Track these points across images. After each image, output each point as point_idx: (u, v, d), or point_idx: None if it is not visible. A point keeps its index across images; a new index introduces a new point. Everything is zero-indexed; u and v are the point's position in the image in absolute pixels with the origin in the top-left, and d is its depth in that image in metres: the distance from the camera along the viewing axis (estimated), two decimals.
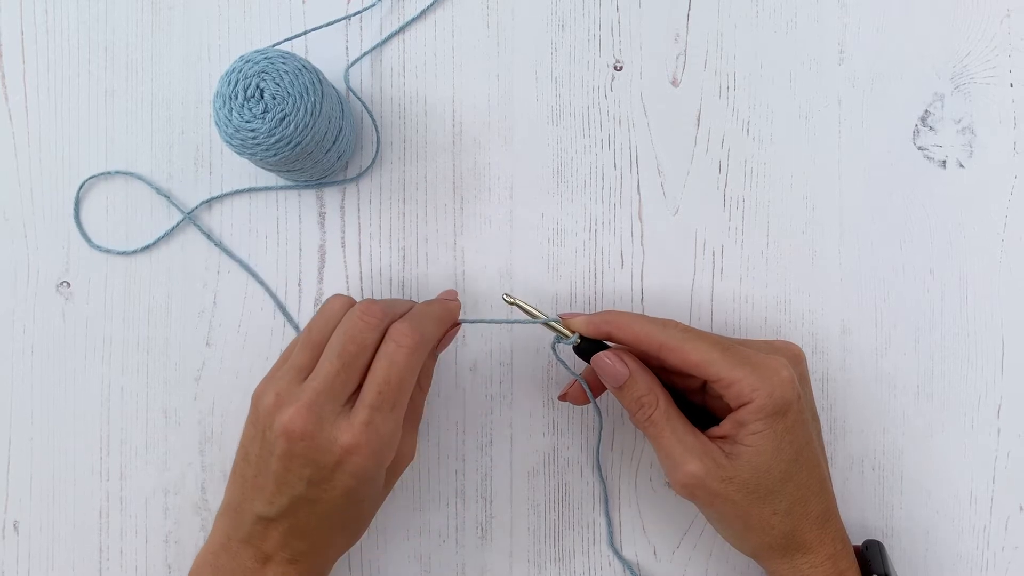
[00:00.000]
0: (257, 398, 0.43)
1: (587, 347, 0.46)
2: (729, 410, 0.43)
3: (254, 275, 0.52)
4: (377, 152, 0.52)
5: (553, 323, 0.46)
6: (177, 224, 0.52)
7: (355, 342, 0.42)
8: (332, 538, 0.44)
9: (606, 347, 0.46)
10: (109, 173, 0.51)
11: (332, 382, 0.41)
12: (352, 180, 0.52)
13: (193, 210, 0.52)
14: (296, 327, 0.52)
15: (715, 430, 0.44)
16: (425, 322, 0.44)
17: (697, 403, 0.47)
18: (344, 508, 0.42)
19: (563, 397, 0.49)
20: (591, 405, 0.50)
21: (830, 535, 0.44)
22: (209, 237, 0.51)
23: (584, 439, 0.52)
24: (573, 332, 0.46)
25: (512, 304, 0.46)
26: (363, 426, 0.41)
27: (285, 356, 0.45)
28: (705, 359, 0.42)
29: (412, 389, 0.43)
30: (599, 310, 0.50)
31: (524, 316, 0.46)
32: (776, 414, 0.42)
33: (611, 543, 0.52)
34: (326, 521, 0.42)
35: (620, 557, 0.52)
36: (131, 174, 0.52)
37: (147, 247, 0.52)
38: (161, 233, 0.51)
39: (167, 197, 0.51)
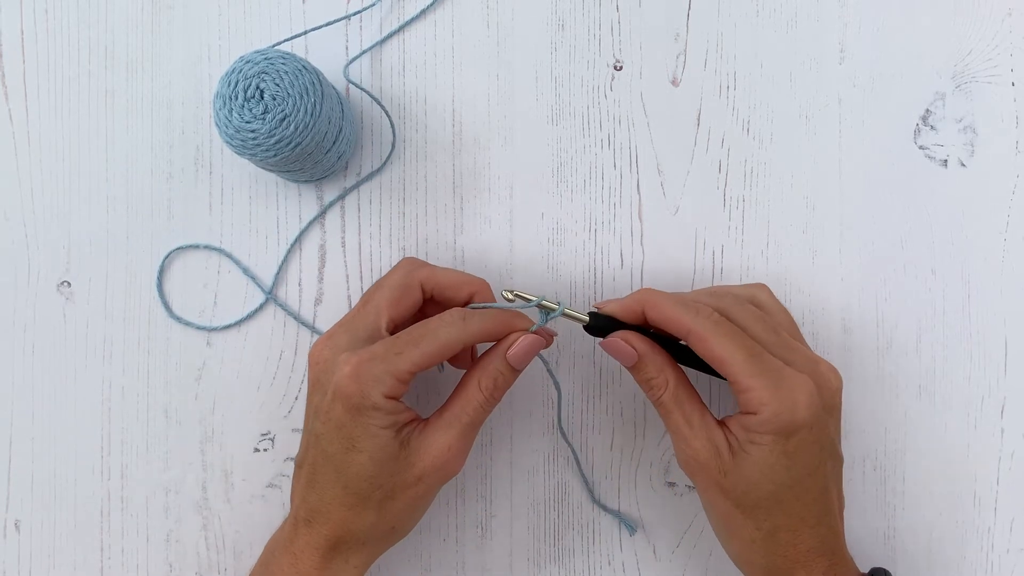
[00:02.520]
0: None
1: (597, 325, 0.45)
2: None
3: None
4: (393, 148, 0.52)
5: (567, 310, 0.45)
6: (260, 305, 0.52)
7: (377, 283, 0.46)
8: (335, 493, 0.43)
9: (620, 326, 0.45)
10: (197, 246, 0.52)
11: (352, 316, 0.45)
12: (369, 178, 0.52)
13: (273, 287, 0.52)
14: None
15: (726, 418, 0.43)
16: (478, 316, 0.44)
17: None
18: (341, 450, 0.42)
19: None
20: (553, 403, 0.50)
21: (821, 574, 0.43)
22: (289, 314, 0.52)
23: (584, 438, 0.52)
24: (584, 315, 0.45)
25: (512, 300, 0.45)
26: (362, 354, 0.42)
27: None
28: (727, 358, 0.41)
29: (433, 357, 0.42)
30: (633, 291, 0.47)
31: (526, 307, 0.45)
32: (779, 435, 0.41)
33: (594, 499, 0.52)
34: (328, 464, 0.43)
35: (606, 509, 0.52)
36: (220, 250, 0.52)
37: (228, 326, 0.52)
38: (245, 314, 0.52)
39: (252, 278, 0.52)
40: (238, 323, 0.52)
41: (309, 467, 0.44)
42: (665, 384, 0.44)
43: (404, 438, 0.43)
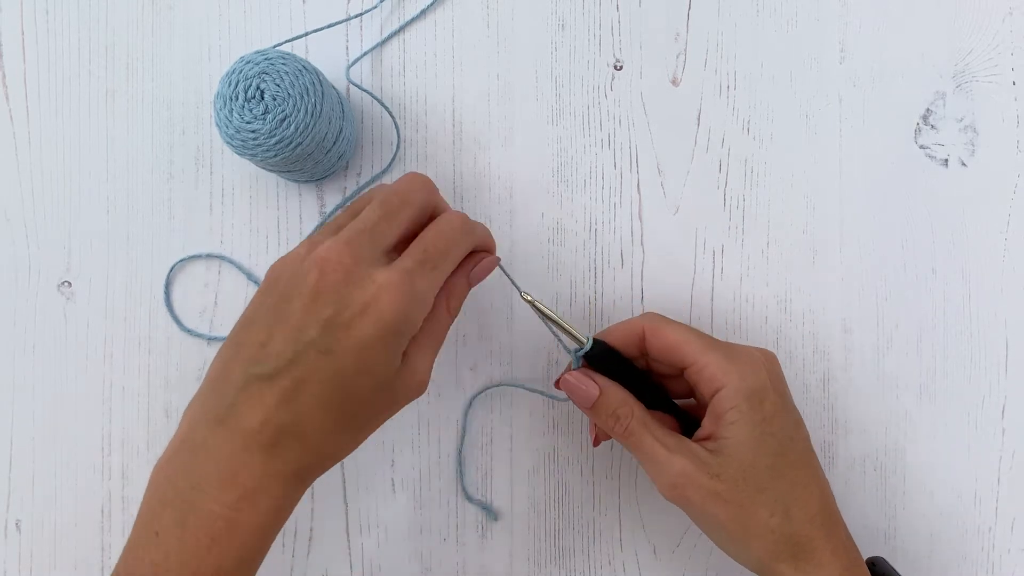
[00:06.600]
0: (284, 257, 0.41)
1: (595, 353, 0.45)
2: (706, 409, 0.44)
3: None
4: (399, 148, 0.52)
5: (573, 333, 0.45)
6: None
7: (398, 195, 0.42)
8: (324, 423, 0.38)
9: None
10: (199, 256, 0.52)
11: (373, 225, 0.40)
12: (372, 180, 0.52)
13: None
14: None
15: (698, 433, 0.44)
16: (475, 225, 0.44)
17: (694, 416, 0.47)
18: (353, 372, 0.38)
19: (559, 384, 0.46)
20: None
21: (841, 544, 0.43)
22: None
23: (584, 438, 0.52)
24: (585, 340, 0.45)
25: (530, 303, 0.45)
26: (403, 272, 0.39)
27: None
28: (681, 339, 0.44)
29: (455, 262, 0.42)
30: (596, 320, 0.51)
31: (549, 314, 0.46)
32: (751, 400, 0.42)
33: (462, 489, 0.52)
34: (327, 383, 0.38)
35: (472, 500, 0.52)
36: (223, 258, 0.52)
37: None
38: None
39: (248, 275, 0.52)
40: None
41: (293, 382, 0.37)
42: (631, 412, 0.44)
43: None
